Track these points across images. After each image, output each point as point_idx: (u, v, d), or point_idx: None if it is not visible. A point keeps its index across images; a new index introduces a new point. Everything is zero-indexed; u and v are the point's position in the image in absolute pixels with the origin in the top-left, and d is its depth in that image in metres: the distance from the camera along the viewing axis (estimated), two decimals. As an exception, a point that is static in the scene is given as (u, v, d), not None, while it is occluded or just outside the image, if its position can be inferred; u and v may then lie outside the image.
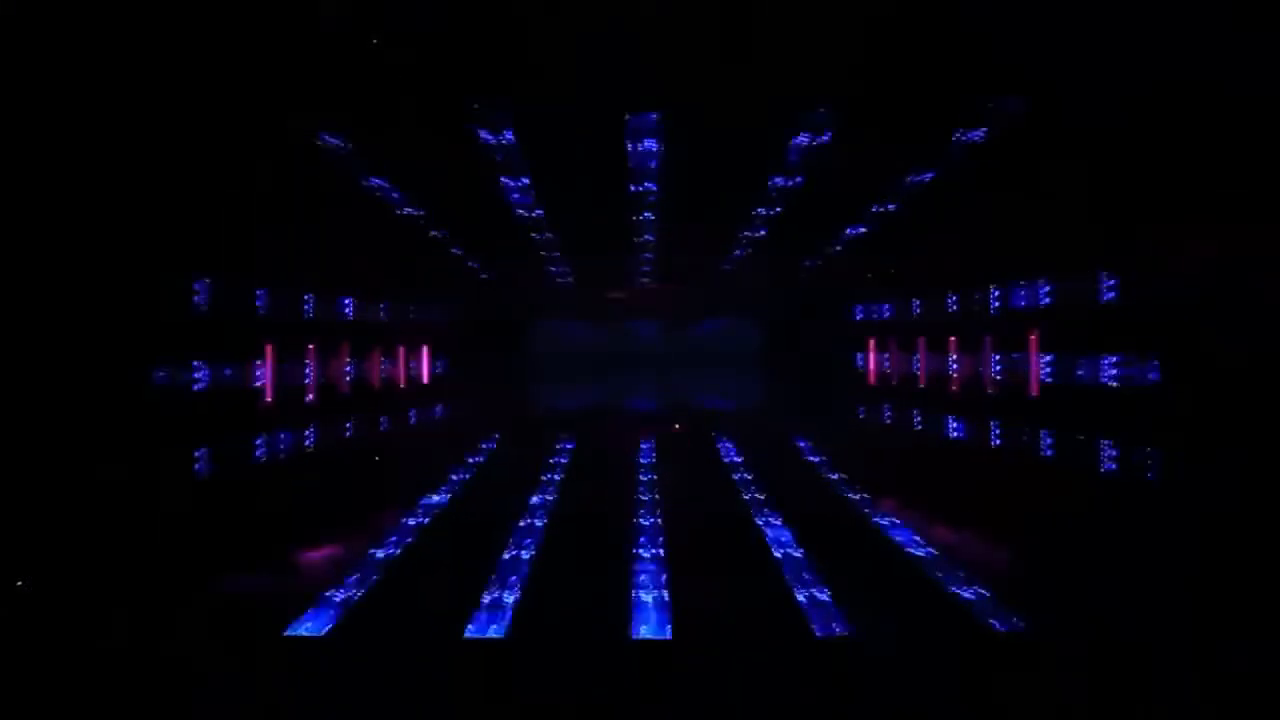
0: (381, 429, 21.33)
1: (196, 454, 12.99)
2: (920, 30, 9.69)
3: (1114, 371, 13.19)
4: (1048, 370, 15.55)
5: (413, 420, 23.79)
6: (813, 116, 12.59)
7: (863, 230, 20.64)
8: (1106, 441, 13.19)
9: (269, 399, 15.92)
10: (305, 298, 18.07)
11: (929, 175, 15.42)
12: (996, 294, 17.89)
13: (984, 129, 12.77)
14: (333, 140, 13.14)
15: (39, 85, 9.11)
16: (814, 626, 8.24)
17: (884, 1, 9.23)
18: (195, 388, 13.33)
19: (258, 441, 15.07)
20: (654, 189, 16.50)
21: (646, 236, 21.69)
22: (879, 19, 9.49)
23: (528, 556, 10.64)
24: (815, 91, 11.68)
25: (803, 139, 13.57)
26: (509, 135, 13.28)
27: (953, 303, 20.57)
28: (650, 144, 13.81)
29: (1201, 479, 10.72)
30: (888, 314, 25.94)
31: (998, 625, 8.11)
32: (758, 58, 10.33)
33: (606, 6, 9.40)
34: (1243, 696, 6.08)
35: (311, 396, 17.82)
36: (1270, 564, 8.50)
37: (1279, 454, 9.66)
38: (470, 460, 17.94)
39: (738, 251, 23.72)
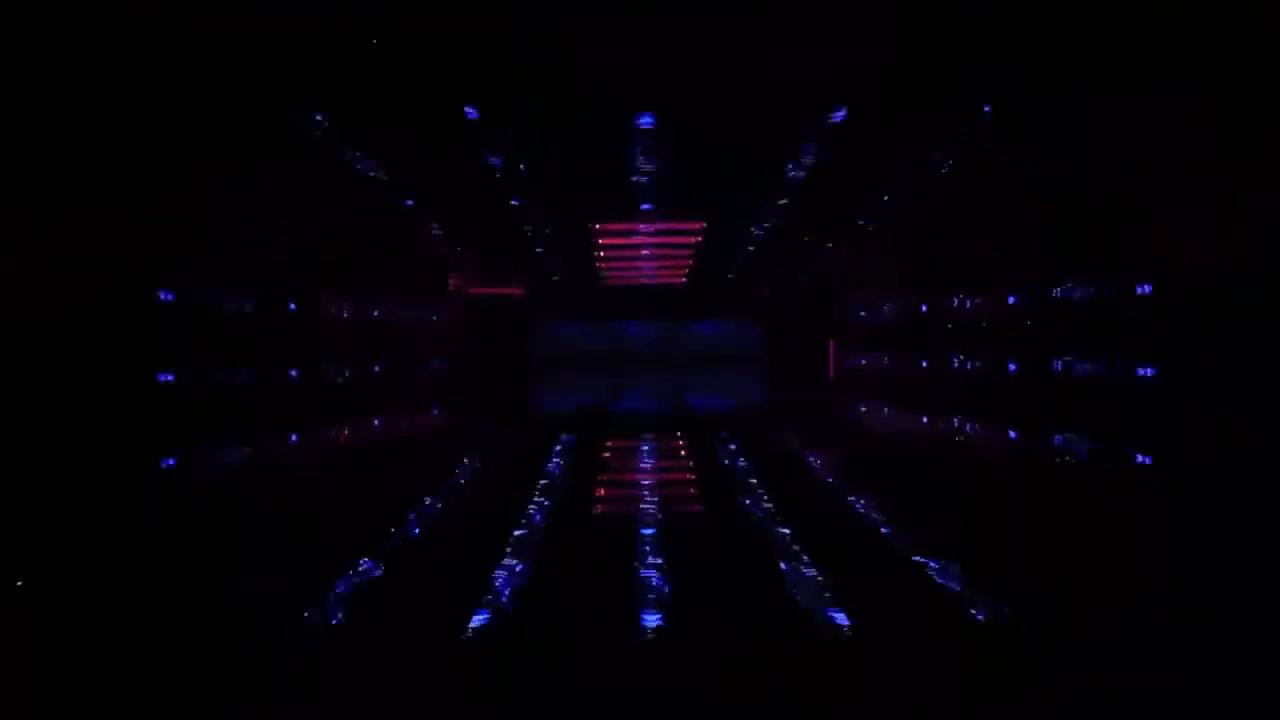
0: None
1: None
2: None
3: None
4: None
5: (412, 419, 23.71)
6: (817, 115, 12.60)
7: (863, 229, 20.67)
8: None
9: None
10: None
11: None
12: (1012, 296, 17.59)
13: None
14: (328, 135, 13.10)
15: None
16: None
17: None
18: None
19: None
20: (652, 188, 16.50)
21: (647, 238, 21.72)
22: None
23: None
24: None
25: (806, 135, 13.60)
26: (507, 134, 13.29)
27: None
28: (649, 144, 13.83)
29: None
30: (888, 314, 25.85)
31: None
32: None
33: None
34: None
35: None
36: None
37: None
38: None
39: (739, 252, 23.74)
